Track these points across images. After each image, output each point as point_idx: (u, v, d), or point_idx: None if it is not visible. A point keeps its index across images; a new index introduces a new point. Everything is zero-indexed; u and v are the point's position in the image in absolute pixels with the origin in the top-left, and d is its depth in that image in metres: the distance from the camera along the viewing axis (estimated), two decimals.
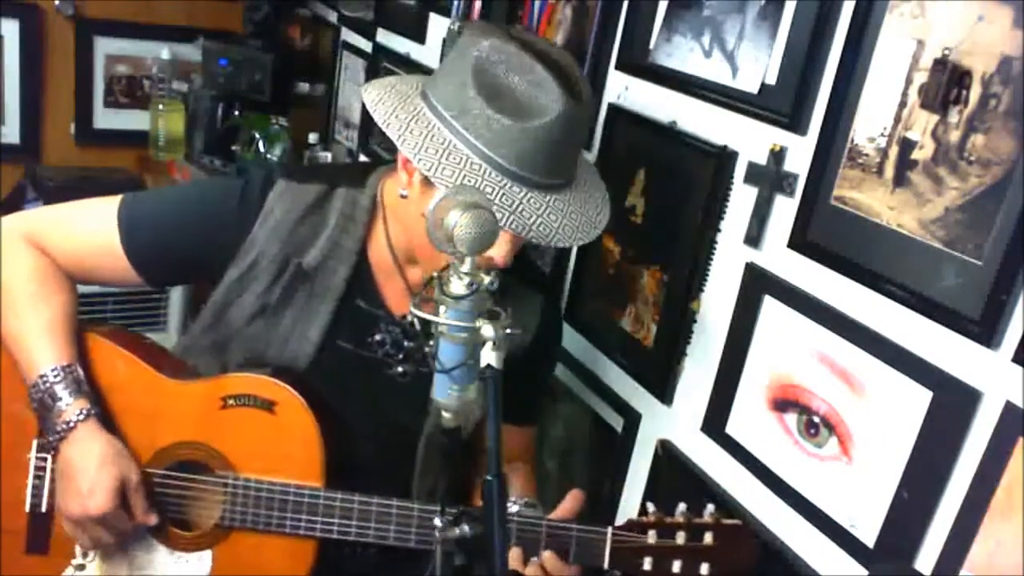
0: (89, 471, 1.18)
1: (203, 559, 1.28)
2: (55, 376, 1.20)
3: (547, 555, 1.21)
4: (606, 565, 1.24)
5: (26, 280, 1.25)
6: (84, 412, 1.20)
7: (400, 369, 1.33)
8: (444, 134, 1.13)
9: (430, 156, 1.11)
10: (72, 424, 1.19)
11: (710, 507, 1.26)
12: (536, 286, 1.41)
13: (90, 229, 1.29)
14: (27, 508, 1.29)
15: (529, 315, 1.35)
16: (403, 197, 1.21)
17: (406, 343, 1.32)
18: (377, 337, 1.32)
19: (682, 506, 1.25)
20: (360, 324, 1.32)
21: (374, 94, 1.20)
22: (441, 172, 1.10)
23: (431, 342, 0.97)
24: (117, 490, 1.20)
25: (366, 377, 1.32)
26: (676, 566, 1.23)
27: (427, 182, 1.17)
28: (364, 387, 1.32)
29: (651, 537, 1.22)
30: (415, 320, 1.29)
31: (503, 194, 1.12)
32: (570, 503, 1.28)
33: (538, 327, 1.37)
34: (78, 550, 1.29)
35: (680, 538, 1.22)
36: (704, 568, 1.23)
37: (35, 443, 1.29)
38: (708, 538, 1.23)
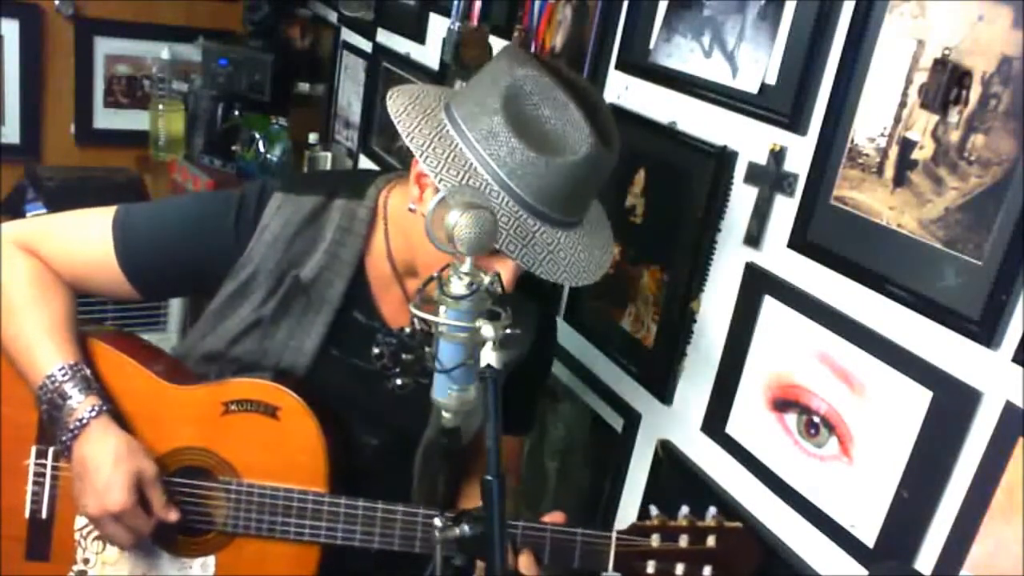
0: (105, 468, 1.17)
1: (207, 565, 1.28)
2: (63, 375, 1.20)
3: (522, 558, 1.21)
4: (610, 569, 1.24)
5: (24, 284, 1.25)
6: (96, 409, 1.19)
7: (399, 382, 1.32)
8: (466, 156, 1.11)
9: (451, 176, 1.10)
10: (85, 421, 1.18)
11: (712, 510, 1.26)
12: (530, 292, 1.41)
13: (85, 241, 1.29)
14: (27, 514, 1.29)
15: (524, 325, 1.35)
16: (412, 211, 1.19)
17: (403, 356, 1.32)
18: (375, 350, 1.31)
19: (684, 509, 1.25)
20: (357, 336, 1.31)
21: (399, 103, 1.17)
22: None
23: (427, 348, 0.96)
24: (134, 485, 1.19)
25: (364, 389, 1.31)
26: (679, 569, 1.23)
27: None
28: (362, 398, 1.32)
29: (654, 541, 1.23)
30: (413, 332, 1.29)
31: (518, 225, 1.11)
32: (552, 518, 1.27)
33: (533, 338, 1.36)
34: (79, 556, 1.29)
35: (683, 541, 1.23)
36: (707, 571, 1.23)
37: (34, 449, 1.28)
38: (711, 541, 1.23)
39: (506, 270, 1.14)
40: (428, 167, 1.10)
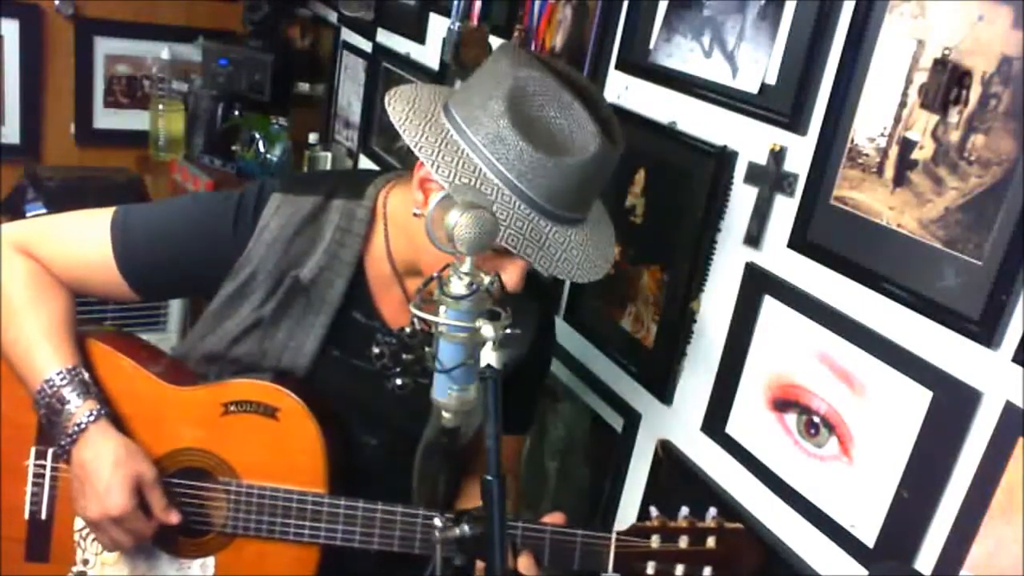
0: (104, 471, 1.17)
1: (206, 565, 1.28)
2: (61, 379, 1.20)
3: (522, 559, 1.21)
4: (610, 570, 1.24)
5: (23, 286, 1.24)
6: (94, 413, 1.19)
7: (399, 382, 1.32)
8: (474, 161, 1.11)
9: (462, 183, 1.09)
10: (83, 426, 1.18)
11: (712, 511, 1.26)
12: (530, 292, 1.40)
13: (84, 243, 1.28)
14: (26, 515, 1.29)
15: (523, 324, 1.34)
16: (416, 215, 1.18)
17: (403, 355, 1.31)
18: (375, 350, 1.31)
19: (684, 510, 1.25)
20: (357, 337, 1.31)
21: (400, 111, 1.16)
22: None
23: (427, 348, 0.96)
24: (134, 488, 1.19)
25: (364, 389, 1.31)
26: (679, 570, 1.23)
27: None
28: (362, 398, 1.31)
29: (654, 541, 1.23)
30: (413, 331, 1.29)
31: (532, 228, 1.11)
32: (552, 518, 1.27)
33: (533, 337, 1.36)
34: (78, 556, 1.29)
35: (683, 542, 1.23)
36: (707, 571, 1.23)
37: (33, 450, 1.28)
38: (711, 542, 1.23)
39: (515, 270, 1.14)
40: (440, 177, 1.10)
